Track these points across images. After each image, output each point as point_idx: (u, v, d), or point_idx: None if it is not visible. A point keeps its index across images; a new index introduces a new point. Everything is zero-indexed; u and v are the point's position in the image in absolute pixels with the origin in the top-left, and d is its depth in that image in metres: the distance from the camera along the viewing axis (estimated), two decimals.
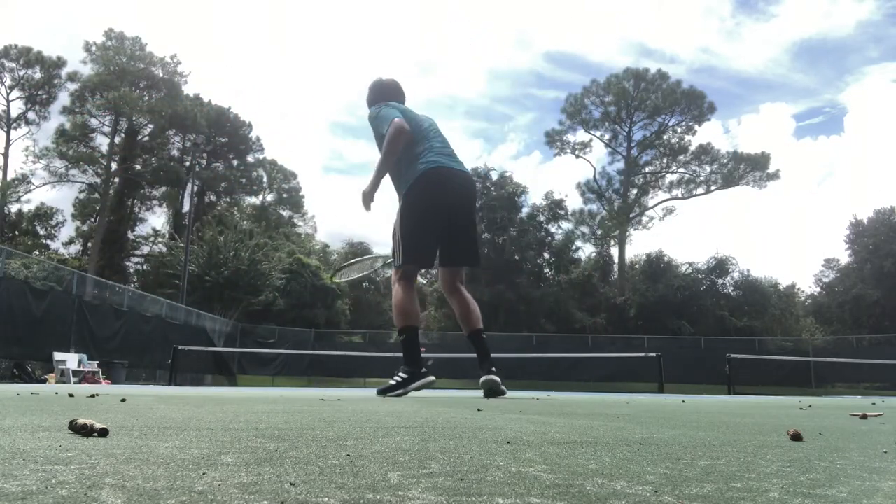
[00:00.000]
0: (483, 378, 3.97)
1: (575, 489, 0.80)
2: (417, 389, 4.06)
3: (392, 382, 4.04)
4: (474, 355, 4.33)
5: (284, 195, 52.85)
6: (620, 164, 47.14)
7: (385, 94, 4.38)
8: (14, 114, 43.84)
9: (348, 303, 42.13)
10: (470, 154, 75.73)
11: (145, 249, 46.87)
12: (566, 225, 42.44)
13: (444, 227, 3.88)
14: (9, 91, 43.64)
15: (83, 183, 44.93)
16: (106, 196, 42.08)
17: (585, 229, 46.29)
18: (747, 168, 44.89)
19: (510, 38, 77.69)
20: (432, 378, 4.07)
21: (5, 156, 43.25)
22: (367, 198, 4.04)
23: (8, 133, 43.45)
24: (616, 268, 44.69)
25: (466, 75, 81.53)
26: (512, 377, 23.87)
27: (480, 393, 4.62)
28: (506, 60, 76.88)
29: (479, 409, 2.83)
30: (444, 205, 3.85)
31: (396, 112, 4.04)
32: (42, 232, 46.43)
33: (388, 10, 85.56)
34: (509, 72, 78.42)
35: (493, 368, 3.95)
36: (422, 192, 3.84)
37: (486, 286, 36.16)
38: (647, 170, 47.11)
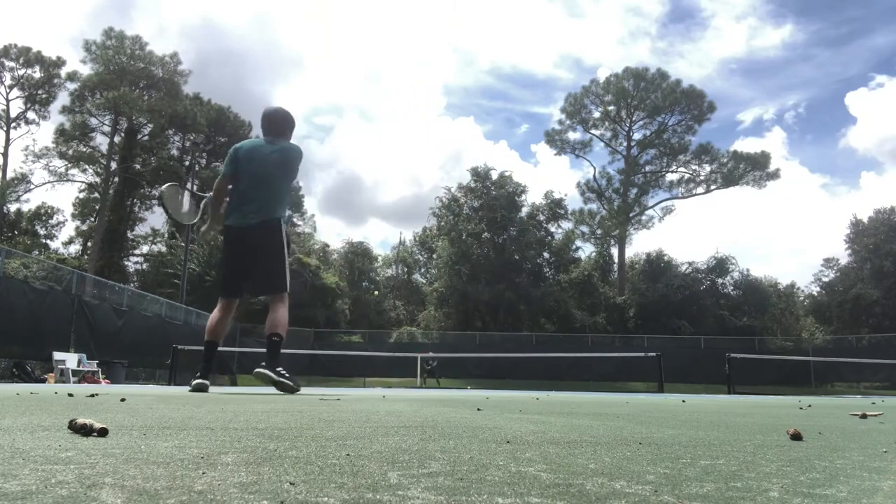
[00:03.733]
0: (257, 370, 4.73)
1: (575, 489, 0.80)
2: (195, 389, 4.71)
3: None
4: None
5: None
6: (620, 164, 47.17)
7: (263, 127, 5.16)
8: (14, 113, 43.87)
9: (348, 302, 42.13)
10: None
11: (145, 249, 46.90)
12: (566, 224, 42.47)
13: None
14: (8, 90, 43.65)
15: (83, 182, 44.96)
16: (105, 195, 42.07)
17: (585, 229, 46.32)
18: (747, 168, 44.87)
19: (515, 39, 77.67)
20: (207, 383, 4.84)
21: (5, 155, 43.27)
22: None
23: (7, 132, 43.47)
24: (616, 267, 44.68)
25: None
26: (512, 377, 24.02)
27: (480, 393, 4.62)
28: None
29: (479, 409, 2.83)
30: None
31: (227, 165, 5.03)
32: (42, 231, 46.44)
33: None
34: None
35: (266, 364, 4.69)
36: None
37: (486, 286, 36.15)
38: (646, 169, 47.10)
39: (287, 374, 4.65)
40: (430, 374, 22.69)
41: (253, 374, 4.72)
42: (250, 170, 4.87)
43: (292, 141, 5.15)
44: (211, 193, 5.18)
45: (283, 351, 4.91)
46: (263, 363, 4.67)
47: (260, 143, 5.02)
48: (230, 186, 5.02)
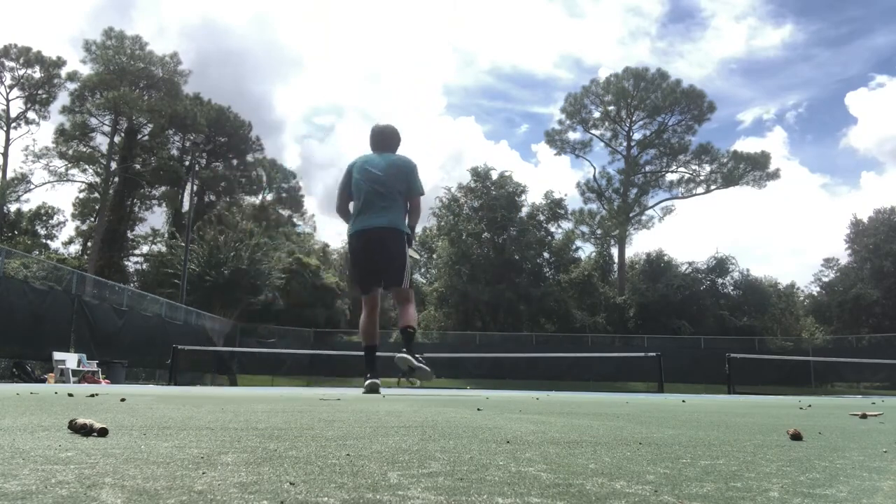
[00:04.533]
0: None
1: (575, 489, 0.80)
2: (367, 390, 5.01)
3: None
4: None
5: (284, 195, 52.84)
6: (620, 164, 47.14)
7: (371, 144, 5.54)
8: (14, 113, 43.85)
9: (348, 302, 42.12)
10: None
11: (145, 249, 46.88)
12: (566, 224, 42.45)
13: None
14: (8, 90, 43.64)
15: (83, 182, 44.94)
16: (105, 195, 42.05)
17: (585, 229, 46.29)
18: (747, 168, 44.85)
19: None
20: (377, 382, 5.14)
21: (5, 155, 43.25)
22: None
23: (7, 132, 43.45)
24: (616, 267, 44.66)
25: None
26: (512, 376, 24.00)
27: (480, 393, 4.64)
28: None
29: (478, 409, 2.83)
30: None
31: (344, 178, 5.41)
32: (42, 231, 46.43)
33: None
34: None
35: (406, 350, 5.08)
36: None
37: (486, 286, 36.13)
38: (646, 169, 47.08)
39: (424, 361, 5.03)
40: (405, 374, 22.83)
41: (395, 360, 5.03)
42: (366, 177, 5.21)
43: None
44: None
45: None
46: (404, 349, 5.03)
47: (371, 156, 5.37)
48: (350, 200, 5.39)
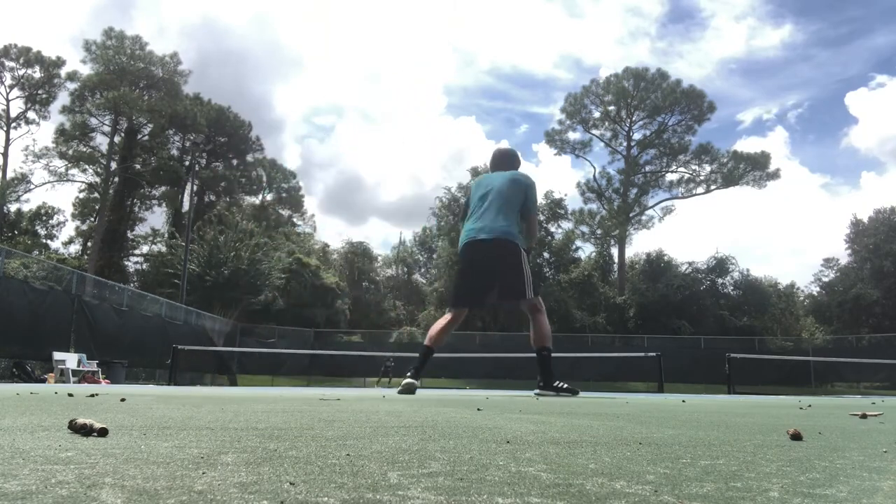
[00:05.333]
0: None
1: (575, 489, 0.80)
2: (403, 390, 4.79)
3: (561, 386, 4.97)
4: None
5: (284, 195, 52.85)
6: (620, 164, 47.15)
7: (490, 165, 5.67)
8: (14, 113, 43.87)
9: (348, 302, 42.12)
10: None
11: (145, 249, 46.89)
12: (566, 224, 42.45)
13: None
14: (8, 90, 43.65)
15: (83, 182, 44.96)
16: (105, 195, 42.05)
17: (585, 229, 46.28)
18: (747, 168, 44.85)
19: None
20: (415, 382, 4.89)
21: (5, 155, 43.25)
22: None
23: (7, 132, 43.46)
24: (616, 267, 44.66)
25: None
26: (512, 376, 23.97)
27: (480, 393, 4.65)
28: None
29: (478, 409, 2.83)
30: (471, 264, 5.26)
31: (466, 201, 5.50)
32: (42, 231, 46.43)
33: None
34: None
35: (542, 384, 4.90)
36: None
37: None
38: (646, 169, 47.08)
39: (565, 386, 4.91)
40: (385, 374, 23.07)
41: (535, 395, 4.83)
42: (479, 192, 5.24)
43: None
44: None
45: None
46: (541, 383, 4.87)
47: (490, 174, 5.46)
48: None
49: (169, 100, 42.37)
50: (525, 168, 5.95)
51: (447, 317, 5.19)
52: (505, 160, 5.51)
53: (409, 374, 4.90)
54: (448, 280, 37.98)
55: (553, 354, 5.28)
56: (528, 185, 5.23)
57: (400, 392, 4.79)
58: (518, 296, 5.10)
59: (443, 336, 5.16)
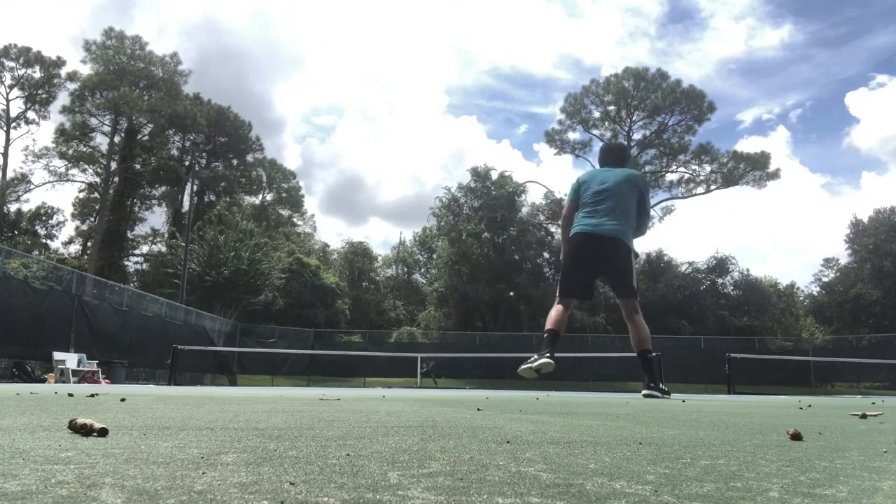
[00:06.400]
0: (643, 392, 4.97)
1: (575, 489, 0.80)
2: (530, 370, 4.82)
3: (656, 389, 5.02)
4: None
5: (284, 195, 52.84)
6: None
7: (600, 159, 5.68)
8: (14, 113, 43.87)
9: (348, 302, 42.12)
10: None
11: (145, 249, 46.89)
12: None
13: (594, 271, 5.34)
14: (8, 90, 43.65)
15: (83, 182, 44.96)
16: (105, 195, 42.05)
17: None
18: (747, 167, 44.85)
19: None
20: (551, 362, 4.87)
21: (5, 155, 43.26)
22: None
23: (7, 132, 43.46)
24: None
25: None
26: (512, 376, 23.98)
27: (480, 393, 4.65)
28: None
29: (478, 409, 2.83)
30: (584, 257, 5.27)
31: (572, 193, 5.49)
32: (42, 231, 46.43)
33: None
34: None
35: (653, 384, 4.94)
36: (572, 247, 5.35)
37: (486, 286, 36.12)
38: (646, 169, 47.03)
39: (666, 389, 5.00)
40: (427, 375, 22.90)
41: (643, 396, 4.91)
42: (594, 187, 5.24)
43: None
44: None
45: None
46: (652, 384, 4.92)
47: (601, 170, 5.49)
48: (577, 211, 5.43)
49: (169, 100, 42.36)
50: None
51: (558, 307, 5.18)
52: (618, 156, 5.55)
53: (547, 353, 4.86)
54: (448, 280, 37.99)
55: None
56: (643, 184, 5.33)
57: (531, 368, 4.80)
58: (631, 294, 5.12)
59: (563, 321, 5.16)
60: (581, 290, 5.31)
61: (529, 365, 4.76)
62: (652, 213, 5.69)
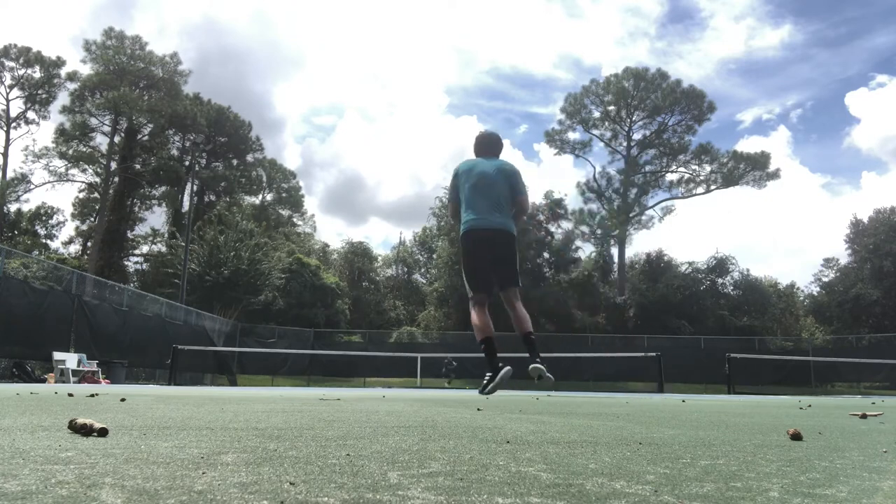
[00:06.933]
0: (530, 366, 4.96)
1: (575, 489, 0.80)
2: (501, 382, 4.79)
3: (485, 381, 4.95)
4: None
5: (284, 195, 52.86)
6: (620, 164, 47.13)
7: (474, 148, 5.72)
8: (14, 113, 43.86)
9: (348, 302, 42.13)
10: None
11: (145, 249, 46.89)
12: (566, 224, 42.42)
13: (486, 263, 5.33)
14: (8, 90, 43.65)
15: (83, 182, 44.96)
16: (105, 195, 42.06)
17: (585, 229, 46.25)
18: (747, 168, 44.86)
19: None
20: (508, 368, 4.88)
21: (5, 155, 43.26)
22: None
23: (7, 132, 43.46)
24: (616, 267, 44.66)
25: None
26: (512, 377, 23.98)
27: (479, 392, 4.65)
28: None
29: (478, 409, 2.83)
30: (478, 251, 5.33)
31: (452, 190, 5.57)
32: (42, 231, 46.44)
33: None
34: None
35: (538, 359, 4.98)
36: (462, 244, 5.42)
37: None
38: (646, 169, 47.07)
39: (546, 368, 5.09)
40: (447, 375, 22.82)
41: (529, 371, 4.97)
42: (471, 181, 5.32)
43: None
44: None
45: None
46: (538, 359, 4.99)
47: (478, 160, 5.55)
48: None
49: (169, 100, 42.37)
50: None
51: (475, 309, 5.29)
52: (492, 146, 5.61)
53: (491, 374, 4.90)
54: (448, 280, 38.00)
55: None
56: (515, 172, 5.42)
57: (490, 390, 4.80)
58: (514, 283, 5.29)
59: (488, 323, 5.25)
60: (490, 285, 5.38)
61: (494, 385, 4.82)
62: (527, 192, 5.84)
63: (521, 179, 5.44)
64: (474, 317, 5.26)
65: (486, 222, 5.21)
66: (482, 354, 5.12)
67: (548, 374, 4.95)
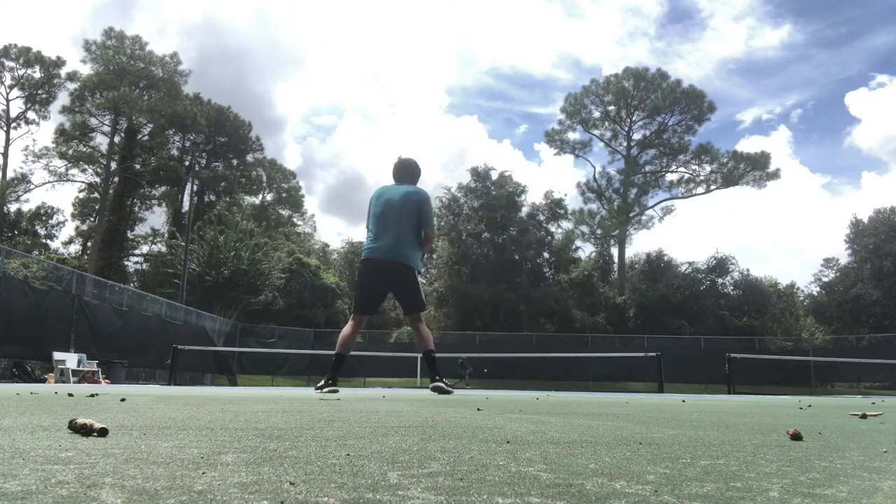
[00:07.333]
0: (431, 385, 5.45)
1: (575, 489, 0.80)
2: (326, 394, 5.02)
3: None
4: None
5: (284, 195, 52.85)
6: (620, 164, 47.13)
7: (393, 175, 5.80)
8: (14, 113, 43.85)
9: (348, 302, 42.12)
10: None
11: (144, 249, 46.88)
12: (566, 224, 42.40)
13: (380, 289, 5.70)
14: (8, 90, 43.65)
15: (83, 182, 44.95)
16: (105, 195, 42.06)
17: (585, 229, 46.25)
18: (747, 167, 44.86)
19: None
20: (338, 390, 5.24)
21: (5, 155, 43.26)
22: None
23: (7, 132, 43.45)
24: (616, 267, 44.66)
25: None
26: (512, 377, 23.98)
27: (480, 393, 4.65)
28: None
29: (478, 409, 2.83)
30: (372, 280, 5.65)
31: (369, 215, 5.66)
32: (42, 231, 46.43)
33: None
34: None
35: (438, 377, 5.42)
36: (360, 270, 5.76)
37: (486, 286, 36.12)
38: (646, 169, 47.07)
39: (449, 384, 5.50)
40: (463, 376, 22.70)
41: (430, 388, 5.43)
42: (379, 209, 5.47)
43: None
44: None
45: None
46: (437, 377, 5.41)
47: (389, 187, 5.65)
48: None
49: (169, 100, 42.36)
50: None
51: (350, 324, 5.57)
52: (406, 172, 5.67)
53: (329, 381, 5.16)
54: (448, 280, 38.00)
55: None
56: (423, 200, 5.49)
57: (321, 391, 5.04)
58: (419, 309, 5.57)
59: (352, 342, 5.57)
60: (372, 307, 5.75)
61: (322, 392, 5.04)
62: (435, 224, 6.00)
63: (428, 209, 5.53)
64: (345, 330, 5.56)
65: (383, 253, 5.37)
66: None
67: (448, 389, 5.32)
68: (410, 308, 5.60)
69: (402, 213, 5.37)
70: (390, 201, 5.41)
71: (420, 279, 5.69)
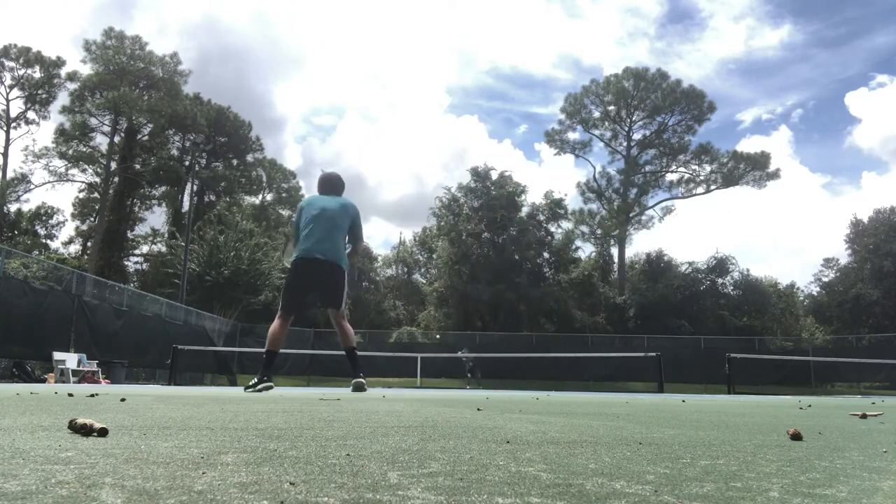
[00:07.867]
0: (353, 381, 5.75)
1: (574, 489, 0.80)
2: (260, 391, 5.29)
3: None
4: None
5: (284, 195, 52.84)
6: (620, 164, 47.12)
7: (318, 188, 6.23)
8: (14, 113, 43.85)
9: (348, 302, 42.09)
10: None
11: (144, 249, 46.87)
12: (566, 224, 42.40)
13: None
14: (8, 90, 43.64)
15: (83, 182, 44.94)
16: (105, 195, 42.05)
17: (585, 229, 46.25)
18: (747, 167, 44.85)
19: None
20: (272, 385, 5.72)
21: (5, 155, 43.26)
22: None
23: (8, 132, 43.45)
24: (616, 267, 44.66)
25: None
26: (512, 377, 23.96)
27: (480, 393, 4.66)
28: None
29: (478, 409, 2.83)
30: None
31: (295, 218, 6.08)
32: (41, 231, 46.43)
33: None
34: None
35: (360, 374, 5.78)
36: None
37: (486, 286, 36.12)
38: (646, 169, 47.06)
39: (364, 380, 5.81)
40: (468, 373, 22.66)
41: (352, 385, 5.70)
42: (312, 213, 5.82)
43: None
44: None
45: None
46: (360, 374, 5.74)
47: (320, 196, 6.06)
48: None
49: (169, 100, 42.35)
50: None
51: (279, 322, 5.86)
52: (333, 186, 6.10)
53: (264, 378, 5.52)
54: (448, 280, 38.00)
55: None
56: (357, 213, 6.00)
57: (254, 391, 5.28)
58: (335, 306, 5.88)
59: (282, 339, 5.92)
60: (300, 306, 6.17)
61: (255, 390, 5.30)
62: (365, 237, 6.49)
63: (360, 220, 6.01)
64: (274, 327, 5.88)
65: (316, 252, 5.69)
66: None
67: (366, 388, 5.66)
68: (331, 304, 5.88)
69: (336, 220, 5.78)
70: (326, 209, 5.79)
71: (345, 285, 6.03)
